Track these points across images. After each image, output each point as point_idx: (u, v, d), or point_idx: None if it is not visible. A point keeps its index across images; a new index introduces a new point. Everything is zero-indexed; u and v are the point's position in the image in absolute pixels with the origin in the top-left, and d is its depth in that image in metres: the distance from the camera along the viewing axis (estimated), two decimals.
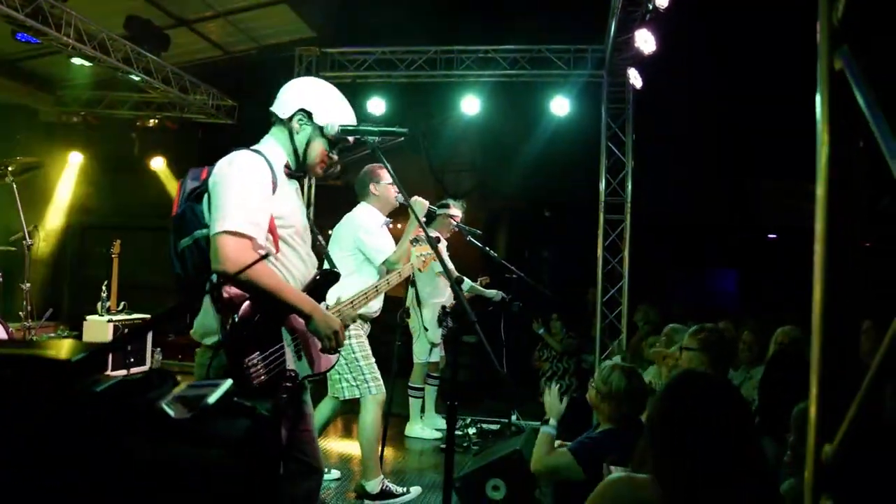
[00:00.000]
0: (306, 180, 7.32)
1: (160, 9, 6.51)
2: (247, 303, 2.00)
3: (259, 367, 2.01)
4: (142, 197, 8.12)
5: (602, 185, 6.68)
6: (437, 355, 5.45)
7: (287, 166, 2.20)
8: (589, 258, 6.82)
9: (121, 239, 6.36)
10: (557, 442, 2.83)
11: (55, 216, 8.03)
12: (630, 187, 6.65)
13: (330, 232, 3.96)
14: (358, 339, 3.66)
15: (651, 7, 5.12)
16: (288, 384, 2.08)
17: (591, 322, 6.96)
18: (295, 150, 2.22)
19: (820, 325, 0.92)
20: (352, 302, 2.86)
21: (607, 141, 6.67)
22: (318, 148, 2.22)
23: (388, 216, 3.92)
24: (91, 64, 6.07)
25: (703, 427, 1.39)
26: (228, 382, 1.04)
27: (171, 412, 0.87)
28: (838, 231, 0.90)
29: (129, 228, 7.38)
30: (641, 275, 6.79)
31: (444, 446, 2.23)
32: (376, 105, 7.19)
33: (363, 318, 3.73)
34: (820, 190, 0.91)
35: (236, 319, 1.97)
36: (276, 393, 2.05)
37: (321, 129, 2.20)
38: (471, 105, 7.07)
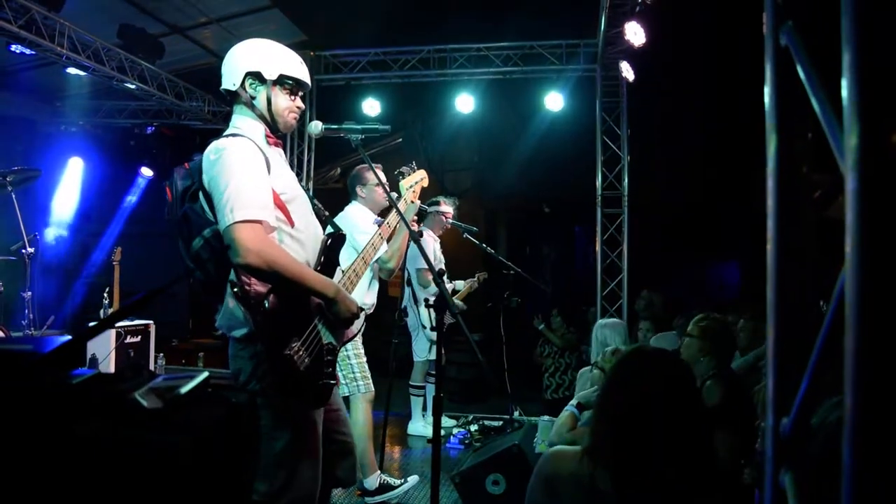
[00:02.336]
0: (302, 181, 7.37)
1: (153, 17, 6.55)
2: (272, 293, 1.96)
3: (301, 352, 1.99)
4: (141, 204, 8.21)
5: (598, 179, 6.69)
6: None
7: (267, 134, 2.17)
8: (588, 252, 6.83)
9: (121, 246, 6.41)
10: None
11: (55, 225, 8.09)
12: (626, 181, 6.66)
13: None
14: None
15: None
16: (330, 358, 2.11)
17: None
18: (262, 115, 2.17)
19: (774, 303, 0.93)
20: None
21: (602, 135, 6.68)
22: (282, 101, 2.16)
23: (379, 215, 3.93)
24: (86, 73, 6.12)
25: (641, 401, 1.39)
26: (204, 374, 1.07)
27: (143, 402, 0.90)
28: (790, 216, 0.91)
29: (129, 236, 7.43)
30: (641, 268, 6.79)
31: (430, 438, 2.26)
32: (371, 106, 7.23)
33: None
34: (770, 167, 0.93)
35: (266, 308, 1.93)
36: (321, 372, 2.07)
37: (275, 83, 2.14)
38: (465, 103, 7.10)
